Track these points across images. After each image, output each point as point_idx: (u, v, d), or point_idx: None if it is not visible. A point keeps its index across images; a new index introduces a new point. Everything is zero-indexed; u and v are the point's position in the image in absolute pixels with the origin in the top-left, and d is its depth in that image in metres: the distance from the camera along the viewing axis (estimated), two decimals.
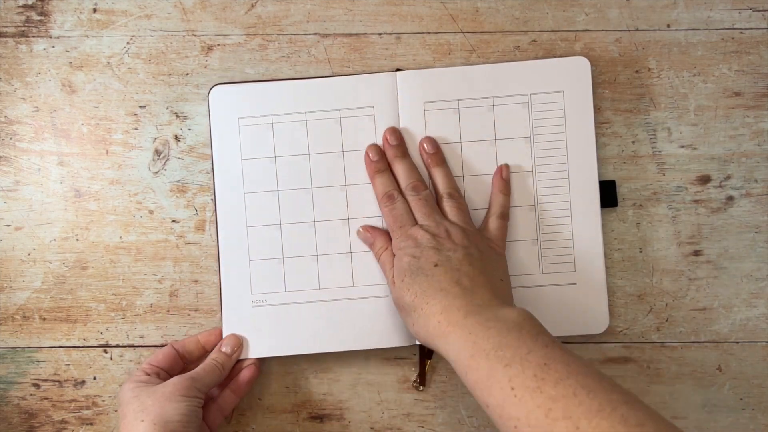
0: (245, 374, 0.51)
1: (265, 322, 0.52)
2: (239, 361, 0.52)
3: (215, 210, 0.53)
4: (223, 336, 0.52)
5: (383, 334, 0.52)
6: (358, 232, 0.52)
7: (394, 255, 0.48)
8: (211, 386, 0.49)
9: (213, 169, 0.53)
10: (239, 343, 0.51)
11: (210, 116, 0.53)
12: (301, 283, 0.52)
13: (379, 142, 0.52)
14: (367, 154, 0.52)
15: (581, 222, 0.52)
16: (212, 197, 0.53)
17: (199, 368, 0.49)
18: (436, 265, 0.45)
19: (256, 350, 0.52)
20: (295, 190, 0.52)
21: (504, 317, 0.41)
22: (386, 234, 0.51)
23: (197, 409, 0.46)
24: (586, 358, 0.53)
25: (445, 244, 0.46)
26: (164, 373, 0.49)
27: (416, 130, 0.52)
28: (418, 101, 0.52)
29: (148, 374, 0.48)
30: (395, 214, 0.50)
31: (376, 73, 0.53)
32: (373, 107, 0.52)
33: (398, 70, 0.53)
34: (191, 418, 0.45)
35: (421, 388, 0.53)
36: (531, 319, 0.42)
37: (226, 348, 0.51)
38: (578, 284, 0.52)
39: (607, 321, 0.52)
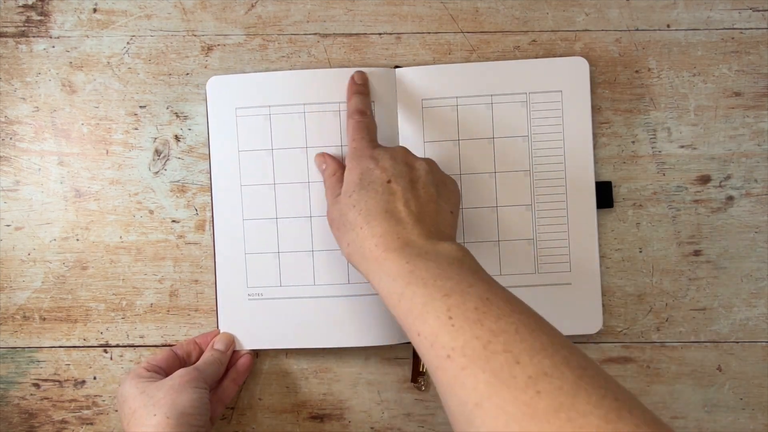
0: (242, 363, 0.52)
1: (261, 316, 0.52)
2: (235, 351, 0.52)
3: (212, 201, 0.53)
4: (220, 330, 0.53)
5: (379, 333, 0.52)
6: (315, 157, 0.51)
7: (342, 179, 0.47)
8: (212, 379, 0.49)
9: (210, 160, 0.53)
10: (231, 340, 0.52)
11: (207, 107, 0.53)
12: (296, 278, 0.52)
13: (380, 140, 0.52)
14: (352, 78, 0.51)
15: (577, 222, 0.52)
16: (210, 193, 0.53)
17: (200, 362, 0.50)
18: (389, 182, 0.44)
19: (251, 342, 0.52)
20: (292, 184, 0.52)
21: (444, 251, 0.40)
22: (340, 163, 0.50)
23: (206, 399, 0.46)
24: None
25: (401, 163, 0.45)
26: (163, 372, 0.49)
27: (414, 127, 0.52)
28: (416, 98, 0.52)
29: (149, 371, 0.48)
30: (362, 126, 0.48)
31: (375, 67, 0.53)
32: (373, 102, 0.52)
33: (396, 67, 0.53)
34: (202, 408, 0.46)
35: (423, 388, 0.53)
36: (470, 256, 0.41)
37: (219, 345, 0.51)
38: (573, 284, 0.52)
39: (600, 322, 0.52)
